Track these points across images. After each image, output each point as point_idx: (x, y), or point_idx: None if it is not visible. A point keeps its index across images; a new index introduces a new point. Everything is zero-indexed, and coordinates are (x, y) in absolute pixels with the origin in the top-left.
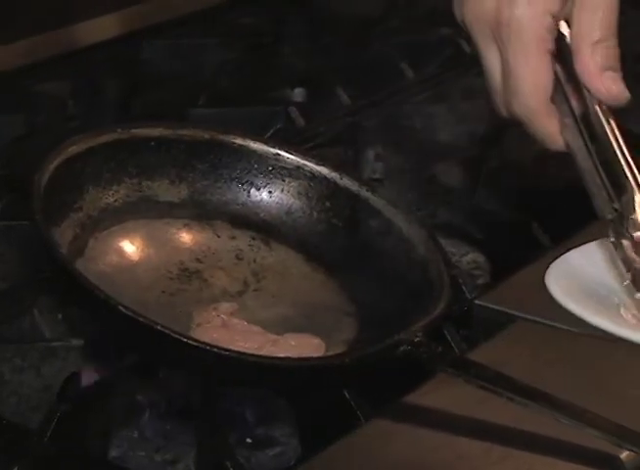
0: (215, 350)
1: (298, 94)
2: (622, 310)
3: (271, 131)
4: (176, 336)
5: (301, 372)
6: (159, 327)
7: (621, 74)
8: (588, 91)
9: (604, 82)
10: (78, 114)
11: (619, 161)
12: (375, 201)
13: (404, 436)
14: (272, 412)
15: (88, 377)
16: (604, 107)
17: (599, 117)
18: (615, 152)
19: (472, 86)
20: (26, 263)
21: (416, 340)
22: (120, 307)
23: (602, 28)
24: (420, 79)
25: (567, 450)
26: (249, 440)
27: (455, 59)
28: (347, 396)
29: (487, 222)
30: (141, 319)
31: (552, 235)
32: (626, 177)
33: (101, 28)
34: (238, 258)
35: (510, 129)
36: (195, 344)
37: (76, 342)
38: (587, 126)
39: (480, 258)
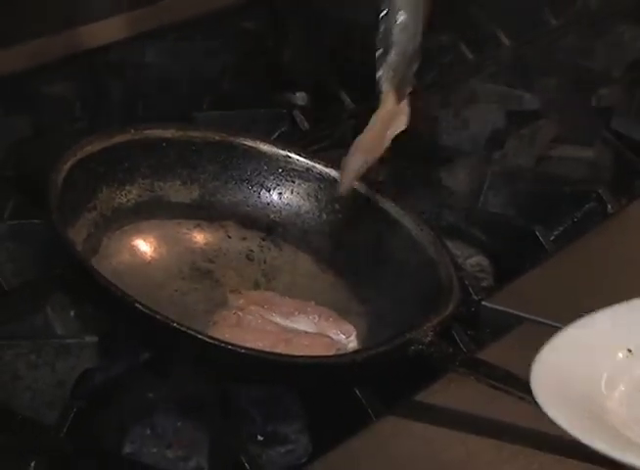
0: (230, 347)
1: (301, 97)
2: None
3: (276, 134)
4: (192, 333)
5: (314, 370)
6: (175, 325)
7: None
8: None
9: None
10: (84, 115)
11: None
12: (383, 203)
13: (415, 434)
14: (283, 410)
15: (102, 373)
16: None
17: None
18: None
19: (473, 92)
20: (37, 262)
21: (427, 339)
22: (137, 305)
23: None
24: (421, 84)
25: (576, 448)
26: (259, 437)
27: (456, 64)
28: (359, 393)
29: (491, 226)
30: (158, 317)
31: (556, 239)
32: None
33: (106, 31)
34: (249, 258)
35: (513, 134)
36: (211, 341)
37: (90, 339)
38: None
39: (484, 261)
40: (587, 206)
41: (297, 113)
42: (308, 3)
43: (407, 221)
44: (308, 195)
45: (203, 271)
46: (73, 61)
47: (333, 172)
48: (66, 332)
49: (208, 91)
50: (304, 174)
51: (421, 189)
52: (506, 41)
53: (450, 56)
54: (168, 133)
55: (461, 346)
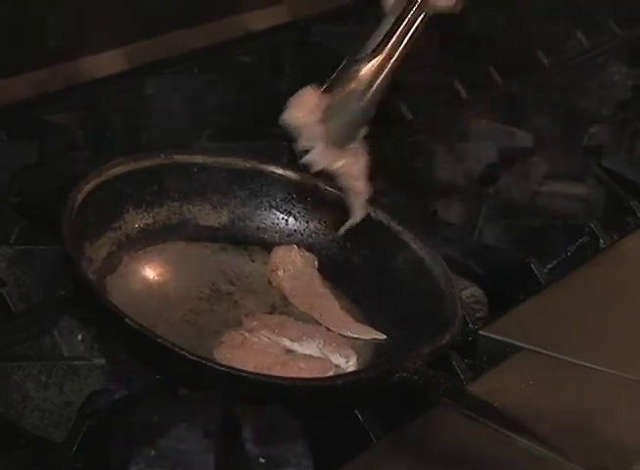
0: (211, 365)
1: None
2: None
3: None
4: (175, 349)
5: (290, 391)
6: (159, 340)
7: None
8: None
9: None
10: (86, 144)
11: None
12: (404, 234)
13: (416, 457)
14: (285, 433)
15: (109, 395)
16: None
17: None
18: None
19: (468, 129)
20: (44, 285)
21: (413, 368)
22: (127, 320)
23: None
24: (418, 120)
25: None
26: (262, 459)
27: (451, 101)
28: (360, 417)
29: (486, 258)
30: (145, 332)
31: (549, 272)
32: None
33: (108, 63)
34: (269, 282)
35: (507, 170)
36: (193, 358)
37: (99, 361)
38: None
39: (479, 292)
40: (580, 240)
41: (295, 145)
42: (305, 37)
43: (424, 253)
44: (334, 224)
45: (222, 293)
46: (76, 91)
47: None
48: (73, 354)
49: (208, 123)
50: (331, 204)
51: (417, 221)
52: (499, 79)
53: (445, 93)
54: (199, 159)
55: (459, 373)
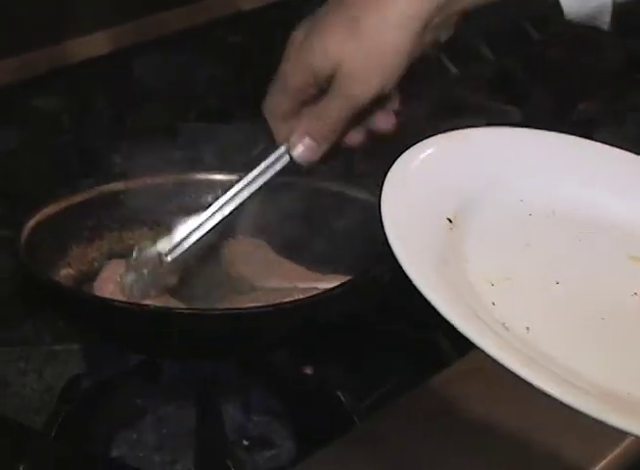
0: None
1: None
2: None
3: (262, 147)
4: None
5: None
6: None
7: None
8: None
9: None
10: (71, 128)
11: None
12: (350, 190)
13: (398, 438)
14: (268, 415)
15: (89, 379)
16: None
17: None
18: None
19: (457, 105)
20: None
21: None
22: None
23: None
24: (406, 97)
25: None
26: (245, 442)
27: (440, 78)
28: (342, 398)
29: None
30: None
31: None
32: None
33: (93, 45)
34: (230, 275)
35: None
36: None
37: (77, 346)
38: None
39: None
40: None
41: None
42: (296, 16)
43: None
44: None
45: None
46: (61, 74)
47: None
48: (54, 339)
49: (195, 104)
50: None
51: None
52: (490, 55)
53: (434, 69)
54: (121, 186)
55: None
